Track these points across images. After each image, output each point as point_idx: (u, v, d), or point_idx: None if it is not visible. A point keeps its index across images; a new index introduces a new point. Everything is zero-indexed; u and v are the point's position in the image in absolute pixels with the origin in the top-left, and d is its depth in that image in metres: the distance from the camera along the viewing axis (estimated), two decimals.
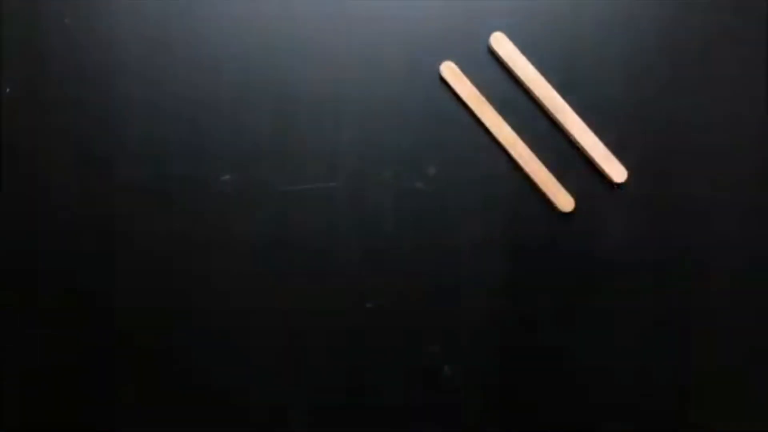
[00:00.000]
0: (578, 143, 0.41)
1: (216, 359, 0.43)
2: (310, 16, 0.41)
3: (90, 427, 0.42)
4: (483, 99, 0.41)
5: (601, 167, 0.41)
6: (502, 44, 0.41)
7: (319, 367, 0.43)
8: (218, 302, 0.43)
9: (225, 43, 0.41)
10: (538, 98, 0.41)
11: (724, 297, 0.43)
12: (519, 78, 0.41)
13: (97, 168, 0.42)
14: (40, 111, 0.42)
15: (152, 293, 0.42)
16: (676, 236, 0.43)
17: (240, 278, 0.42)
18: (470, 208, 0.42)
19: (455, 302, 0.43)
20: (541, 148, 0.42)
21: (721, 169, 0.42)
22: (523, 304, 0.42)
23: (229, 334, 0.43)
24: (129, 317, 0.42)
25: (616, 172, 0.42)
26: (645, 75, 0.42)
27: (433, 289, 0.42)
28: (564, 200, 0.42)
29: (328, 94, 0.42)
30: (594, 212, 0.42)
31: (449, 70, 0.41)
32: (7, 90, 0.42)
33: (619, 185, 0.42)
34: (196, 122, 0.42)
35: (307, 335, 0.43)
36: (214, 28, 0.41)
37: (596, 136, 0.41)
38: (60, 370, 0.42)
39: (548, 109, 0.41)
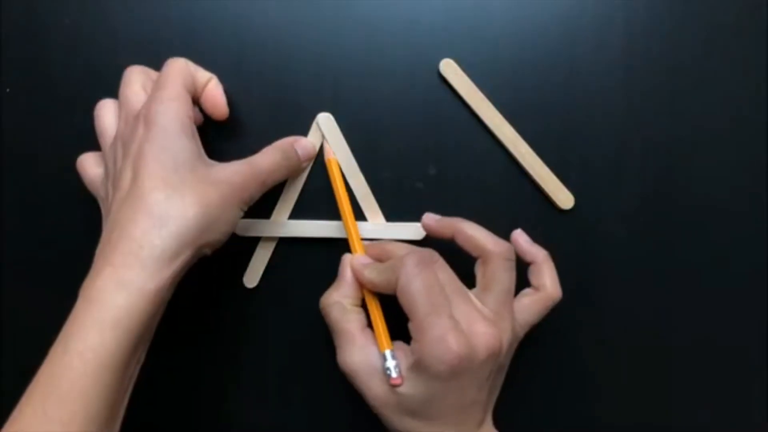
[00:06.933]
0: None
1: (215, 359, 0.43)
2: (308, 15, 0.42)
3: None
4: (483, 96, 0.41)
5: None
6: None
7: (319, 366, 0.43)
8: (218, 301, 0.43)
9: (224, 42, 0.42)
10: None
11: (724, 296, 0.43)
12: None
13: None
14: (40, 111, 0.42)
15: None
16: (677, 236, 0.43)
17: (240, 276, 0.42)
18: (470, 208, 0.42)
19: None
20: (541, 146, 0.42)
21: (720, 169, 0.42)
22: None
23: (229, 333, 0.43)
24: None
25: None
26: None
27: None
28: (564, 198, 0.42)
29: (327, 92, 0.42)
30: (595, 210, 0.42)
31: (449, 67, 0.41)
32: (7, 90, 0.42)
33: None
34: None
35: (306, 334, 0.43)
36: (213, 27, 0.42)
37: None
38: None
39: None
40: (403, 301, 0.34)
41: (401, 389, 0.34)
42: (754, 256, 0.43)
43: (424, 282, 0.33)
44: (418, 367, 0.33)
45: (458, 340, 0.32)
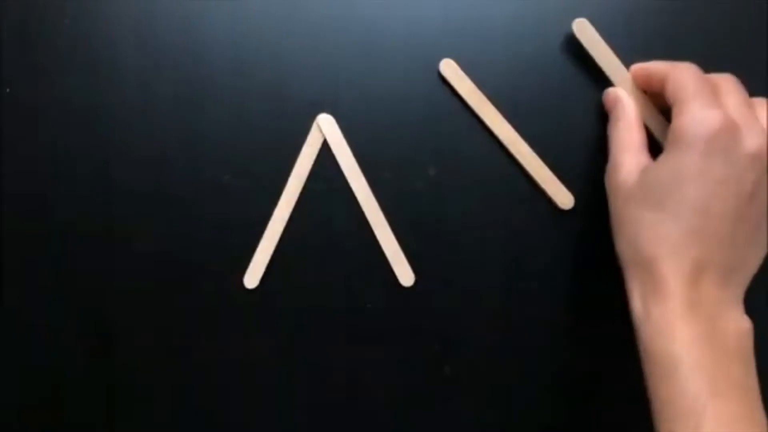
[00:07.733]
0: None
1: (214, 360, 0.43)
2: (308, 15, 0.42)
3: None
4: (483, 96, 0.41)
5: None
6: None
7: (320, 367, 0.43)
8: (219, 303, 0.43)
9: (224, 42, 0.42)
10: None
11: None
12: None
13: (96, 167, 0.42)
14: (41, 112, 0.42)
15: (152, 294, 0.42)
16: None
17: (240, 276, 0.42)
18: (470, 208, 0.42)
19: (455, 302, 0.42)
20: (541, 146, 0.42)
21: None
22: (523, 303, 0.42)
23: (229, 334, 0.43)
24: (127, 319, 0.42)
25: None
26: None
27: (432, 289, 0.42)
28: (564, 198, 0.42)
29: (327, 92, 0.42)
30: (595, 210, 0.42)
31: (449, 67, 0.41)
32: (7, 90, 0.42)
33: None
34: (195, 122, 0.42)
35: (307, 334, 0.43)
36: (213, 27, 0.42)
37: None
38: (54, 371, 0.42)
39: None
40: (669, 87, 0.34)
41: (649, 171, 0.33)
42: None
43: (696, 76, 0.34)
44: (673, 141, 0.32)
45: (723, 115, 0.32)
